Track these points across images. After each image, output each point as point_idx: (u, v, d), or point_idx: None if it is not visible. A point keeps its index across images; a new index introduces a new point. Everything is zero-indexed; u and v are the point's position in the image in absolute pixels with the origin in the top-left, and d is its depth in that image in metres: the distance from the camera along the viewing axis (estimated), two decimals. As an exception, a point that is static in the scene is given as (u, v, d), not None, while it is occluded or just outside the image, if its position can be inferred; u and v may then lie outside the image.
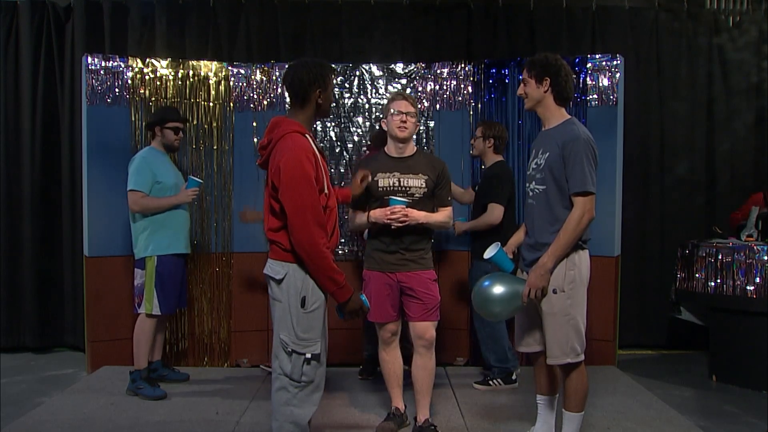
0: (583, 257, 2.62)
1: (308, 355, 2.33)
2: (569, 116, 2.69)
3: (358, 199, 3.07)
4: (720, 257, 4.09)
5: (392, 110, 3.02)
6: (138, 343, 3.71)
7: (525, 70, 2.69)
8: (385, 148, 3.15)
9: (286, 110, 3.08)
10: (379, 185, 3.02)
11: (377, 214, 2.98)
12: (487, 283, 2.68)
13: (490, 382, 3.86)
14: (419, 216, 2.97)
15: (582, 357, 2.62)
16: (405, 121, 3.00)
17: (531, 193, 2.71)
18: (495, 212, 3.69)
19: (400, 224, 2.93)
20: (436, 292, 3.06)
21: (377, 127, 4.33)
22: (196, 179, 3.79)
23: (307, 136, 2.39)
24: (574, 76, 2.72)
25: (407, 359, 3.16)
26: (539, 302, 2.60)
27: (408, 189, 3.01)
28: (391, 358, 3.13)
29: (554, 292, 2.57)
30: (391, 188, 3.01)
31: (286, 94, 2.51)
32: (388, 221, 2.92)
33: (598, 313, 3.92)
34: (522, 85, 2.71)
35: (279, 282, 2.35)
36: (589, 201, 2.52)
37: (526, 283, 2.59)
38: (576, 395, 2.64)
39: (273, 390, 2.40)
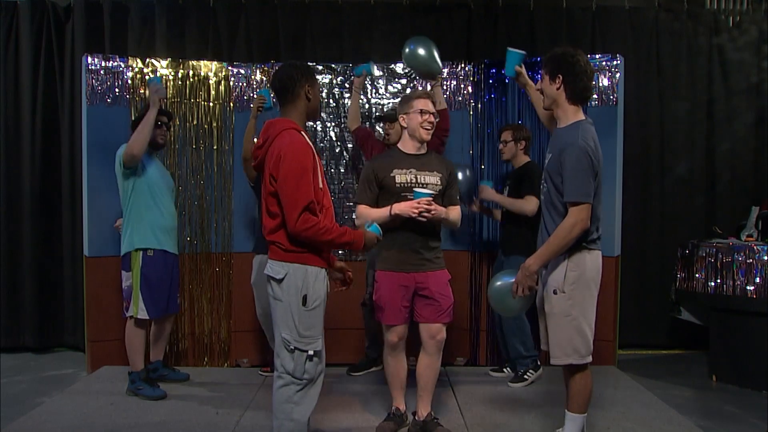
0: (588, 258, 2.57)
1: (310, 352, 2.38)
2: (583, 117, 2.60)
3: (368, 196, 3.01)
4: (720, 257, 4.09)
5: (417, 108, 2.98)
6: (130, 348, 3.66)
7: (542, 66, 2.64)
8: (399, 145, 3.10)
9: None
10: (396, 181, 2.97)
11: (402, 207, 2.89)
12: (500, 281, 2.75)
13: (525, 376, 3.89)
14: (442, 211, 2.96)
15: (587, 359, 2.60)
16: (432, 122, 2.99)
17: (542, 190, 2.71)
18: (532, 203, 3.67)
19: (426, 218, 2.88)
20: (450, 294, 3.05)
21: (379, 126, 4.33)
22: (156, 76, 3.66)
23: (302, 133, 2.44)
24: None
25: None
26: (530, 300, 2.63)
27: (425, 186, 2.98)
28: (396, 362, 3.09)
29: (554, 293, 2.56)
30: (408, 184, 2.97)
31: (276, 98, 2.57)
32: (415, 214, 2.86)
33: (598, 313, 3.87)
34: (540, 81, 2.67)
35: (279, 281, 2.38)
36: (582, 210, 2.47)
37: (514, 279, 2.60)
38: (579, 397, 2.62)
39: (274, 388, 2.43)
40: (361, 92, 4.32)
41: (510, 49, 2.76)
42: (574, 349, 2.56)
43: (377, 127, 4.44)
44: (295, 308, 2.37)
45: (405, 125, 3.04)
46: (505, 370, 4.14)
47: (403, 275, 2.96)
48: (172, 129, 4.16)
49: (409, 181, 2.98)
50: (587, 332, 2.58)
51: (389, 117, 4.09)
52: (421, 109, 2.98)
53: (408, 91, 4.48)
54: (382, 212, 2.94)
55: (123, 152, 3.55)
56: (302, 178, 2.32)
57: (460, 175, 3.90)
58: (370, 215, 2.94)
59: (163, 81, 4.16)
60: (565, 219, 2.49)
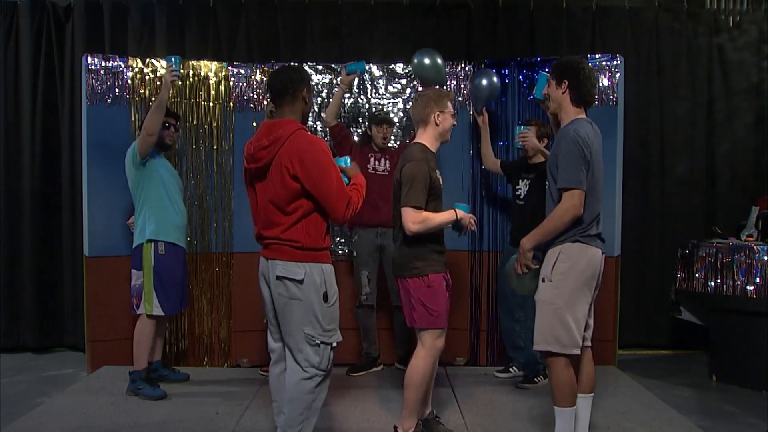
0: (581, 252, 2.62)
1: (334, 344, 2.54)
2: (583, 116, 2.72)
3: (424, 199, 2.84)
4: (720, 257, 4.09)
5: (452, 110, 2.94)
6: (138, 345, 3.68)
7: (550, 73, 2.79)
8: (427, 143, 2.92)
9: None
10: (440, 183, 2.92)
11: (463, 215, 2.86)
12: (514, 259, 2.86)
13: (536, 380, 3.91)
14: None
15: (570, 351, 2.61)
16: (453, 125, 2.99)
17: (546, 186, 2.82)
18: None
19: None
20: None
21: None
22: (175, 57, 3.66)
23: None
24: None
25: (404, 361, 3.14)
26: (535, 280, 2.75)
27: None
28: (435, 367, 2.99)
29: (543, 280, 2.67)
30: (442, 185, 2.96)
31: (272, 99, 2.62)
32: (472, 225, 2.89)
33: (598, 313, 3.88)
34: (547, 86, 2.81)
35: (300, 282, 2.47)
36: (575, 196, 2.56)
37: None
38: (559, 389, 2.66)
39: (295, 381, 2.53)
40: (347, 91, 4.24)
41: (542, 72, 2.92)
42: (554, 338, 2.61)
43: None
44: (317, 305, 2.48)
45: (438, 123, 2.90)
46: (511, 369, 4.13)
47: (447, 275, 2.94)
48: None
49: (441, 182, 2.95)
50: (571, 324, 2.60)
51: (389, 120, 4.13)
52: (453, 112, 2.96)
53: (408, 91, 4.48)
54: (450, 215, 2.85)
55: (137, 141, 3.61)
56: (336, 174, 2.48)
57: (485, 81, 4.06)
58: (435, 219, 2.82)
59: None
60: (560, 203, 2.60)
